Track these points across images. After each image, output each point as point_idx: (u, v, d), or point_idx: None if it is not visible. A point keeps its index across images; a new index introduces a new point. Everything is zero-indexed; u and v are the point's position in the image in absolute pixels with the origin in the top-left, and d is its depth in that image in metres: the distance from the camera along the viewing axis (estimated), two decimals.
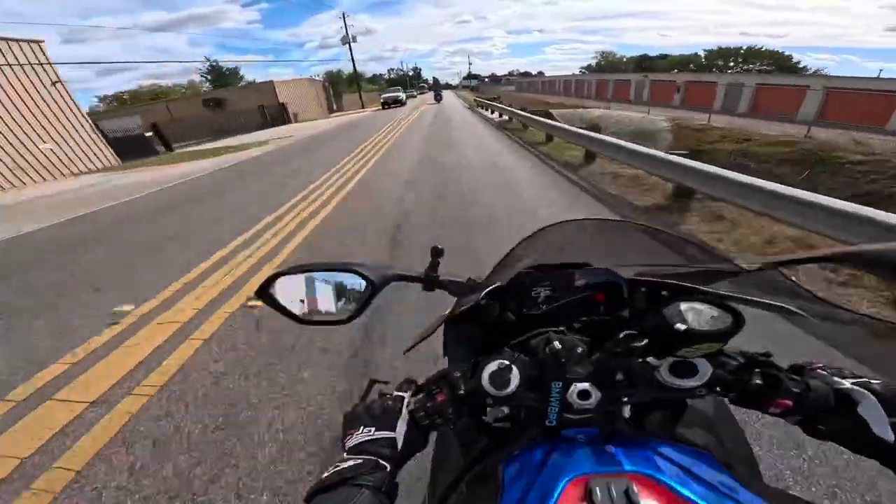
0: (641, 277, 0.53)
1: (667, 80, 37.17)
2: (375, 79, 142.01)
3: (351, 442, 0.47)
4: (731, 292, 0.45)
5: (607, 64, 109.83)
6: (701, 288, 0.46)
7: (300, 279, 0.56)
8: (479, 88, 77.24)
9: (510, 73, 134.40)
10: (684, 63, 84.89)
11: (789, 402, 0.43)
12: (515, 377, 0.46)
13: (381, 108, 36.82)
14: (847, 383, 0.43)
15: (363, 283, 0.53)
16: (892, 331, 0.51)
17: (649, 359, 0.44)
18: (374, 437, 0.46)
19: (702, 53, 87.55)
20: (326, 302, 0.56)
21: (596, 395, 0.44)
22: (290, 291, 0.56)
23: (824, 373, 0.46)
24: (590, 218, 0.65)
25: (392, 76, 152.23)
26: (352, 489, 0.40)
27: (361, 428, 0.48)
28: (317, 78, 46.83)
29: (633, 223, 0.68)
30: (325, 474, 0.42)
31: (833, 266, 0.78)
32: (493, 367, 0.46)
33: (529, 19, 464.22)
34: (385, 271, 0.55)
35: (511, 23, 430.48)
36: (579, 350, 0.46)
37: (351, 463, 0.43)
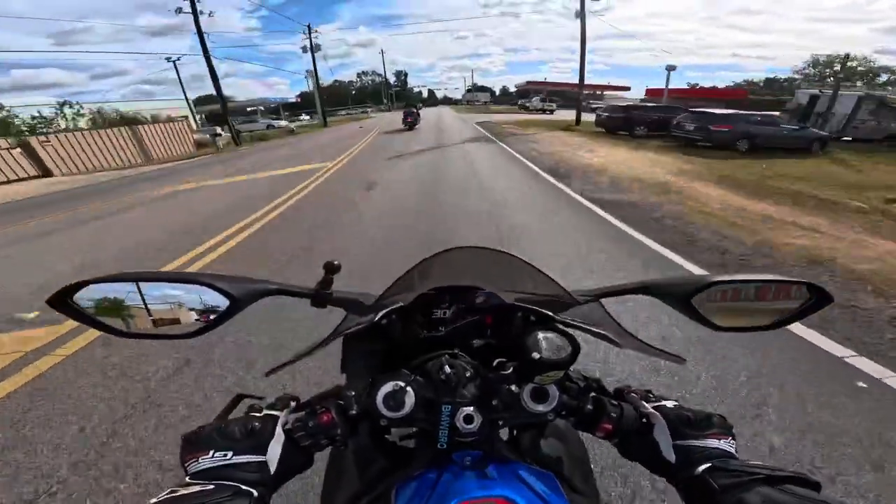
0: (518, 303, 0.56)
1: None
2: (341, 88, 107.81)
3: (196, 467, 0.40)
4: (573, 321, 0.52)
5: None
6: (555, 315, 0.52)
7: (126, 288, 0.48)
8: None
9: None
10: None
11: (610, 427, 0.48)
12: (411, 399, 0.46)
13: None
14: (650, 407, 0.49)
15: (220, 297, 0.48)
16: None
17: (513, 387, 0.48)
18: (233, 461, 0.41)
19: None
20: (166, 314, 0.49)
21: (478, 419, 0.47)
22: (108, 301, 0.48)
23: (636, 396, 0.52)
24: (478, 246, 0.68)
25: (364, 84, 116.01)
26: None
27: (212, 452, 0.41)
28: None
29: (510, 254, 0.67)
30: (153, 501, 0.35)
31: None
32: (388, 388, 0.47)
33: (524, 38, 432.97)
34: (252, 286, 0.50)
35: (507, 41, 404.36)
36: (468, 375, 0.49)
37: (196, 489, 0.37)
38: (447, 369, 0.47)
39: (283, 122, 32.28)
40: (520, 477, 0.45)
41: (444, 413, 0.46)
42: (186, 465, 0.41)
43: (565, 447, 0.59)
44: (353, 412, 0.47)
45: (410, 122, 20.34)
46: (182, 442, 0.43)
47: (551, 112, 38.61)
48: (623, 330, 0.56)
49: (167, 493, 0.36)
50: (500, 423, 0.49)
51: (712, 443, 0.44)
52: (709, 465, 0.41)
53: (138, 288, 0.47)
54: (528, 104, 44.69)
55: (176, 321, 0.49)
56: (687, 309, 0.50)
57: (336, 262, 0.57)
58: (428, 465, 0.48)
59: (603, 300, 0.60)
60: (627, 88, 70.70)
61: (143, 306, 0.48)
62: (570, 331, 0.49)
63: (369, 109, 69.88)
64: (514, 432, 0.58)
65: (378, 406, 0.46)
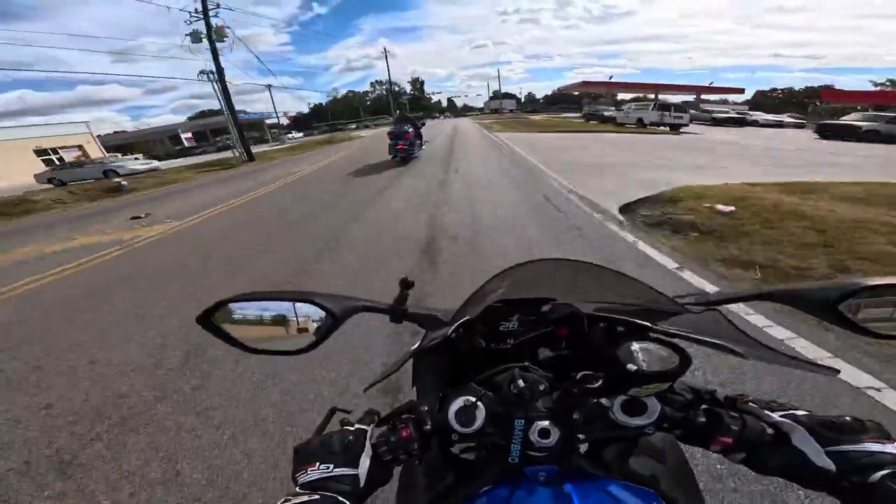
0: (600, 313, 0.54)
1: None
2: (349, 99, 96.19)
3: (305, 478, 0.45)
4: (679, 331, 0.48)
5: None
6: (652, 325, 0.48)
7: (249, 306, 0.54)
8: None
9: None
10: None
11: (730, 440, 0.45)
12: (481, 413, 0.47)
13: None
14: (776, 416, 0.45)
15: (323, 314, 0.51)
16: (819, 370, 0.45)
17: (602, 399, 0.46)
18: (334, 474, 0.44)
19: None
20: (280, 331, 0.54)
21: (555, 433, 0.46)
22: (237, 319, 0.54)
23: (754, 405, 0.48)
24: (555, 258, 0.66)
25: (379, 94, 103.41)
26: None
27: (318, 464, 0.45)
28: None
29: (594, 264, 0.66)
30: None
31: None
32: (459, 403, 0.47)
33: (546, 44, 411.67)
34: (348, 302, 0.54)
35: (527, 48, 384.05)
36: (542, 388, 0.48)
37: (305, 499, 0.41)
38: (520, 383, 0.47)
39: (139, 165, 19.32)
40: (610, 493, 0.44)
41: (517, 427, 0.46)
42: (297, 476, 0.45)
43: (662, 463, 0.55)
44: (427, 427, 0.48)
45: (403, 152, 11.10)
46: (294, 454, 0.47)
47: (678, 130, 21.23)
48: (749, 339, 0.49)
49: (281, 502, 0.40)
50: (582, 436, 0.48)
51: (876, 447, 0.38)
52: (889, 471, 0.36)
53: (256, 306, 0.52)
54: (605, 113, 28.58)
55: (286, 337, 0.53)
56: (833, 316, 0.44)
57: (410, 280, 0.60)
58: (497, 480, 0.48)
59: (720, 308, 0.54)
60: (741, 91, 53.34)
61: (263, 323, 0.53)
62: (677, 341, 0.46)
63: (370, 125, 56.13)
64: (593, 447, 0.53)
65: (450, 421, 0.46)
